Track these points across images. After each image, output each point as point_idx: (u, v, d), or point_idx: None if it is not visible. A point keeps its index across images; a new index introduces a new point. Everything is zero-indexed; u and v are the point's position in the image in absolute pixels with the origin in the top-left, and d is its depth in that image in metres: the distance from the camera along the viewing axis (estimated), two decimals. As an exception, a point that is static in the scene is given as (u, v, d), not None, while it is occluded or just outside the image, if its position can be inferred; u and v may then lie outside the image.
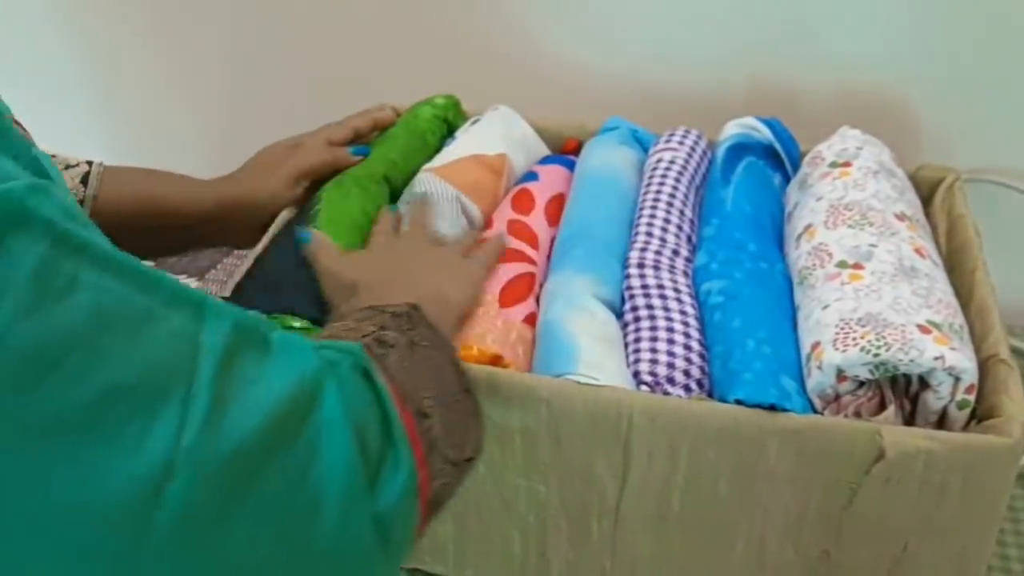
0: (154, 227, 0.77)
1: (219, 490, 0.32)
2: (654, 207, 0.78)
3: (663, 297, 0.71)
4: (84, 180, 0.74)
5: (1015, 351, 0.69)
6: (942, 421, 0.62)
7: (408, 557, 0.42)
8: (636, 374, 0.66)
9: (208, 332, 0.34)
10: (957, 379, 0.60)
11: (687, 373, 0.66)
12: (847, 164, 0.77)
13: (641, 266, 0.73)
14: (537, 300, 0.73)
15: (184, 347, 0.33)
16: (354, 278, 0.65)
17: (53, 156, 0.71)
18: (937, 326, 0.62)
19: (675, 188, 0.80)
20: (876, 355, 0.60)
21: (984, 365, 0.63)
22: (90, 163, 0.75)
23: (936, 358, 0.59)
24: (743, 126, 0.86)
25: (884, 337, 0.60)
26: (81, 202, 0.74)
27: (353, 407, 0.38)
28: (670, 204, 0.78)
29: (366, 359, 0.41)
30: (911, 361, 0.59)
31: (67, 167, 0.74)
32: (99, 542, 0.30)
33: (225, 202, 0.79)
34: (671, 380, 0.65)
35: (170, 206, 0.77)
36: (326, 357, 0.39)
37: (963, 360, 0.60)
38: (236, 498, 0.32)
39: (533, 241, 0.78)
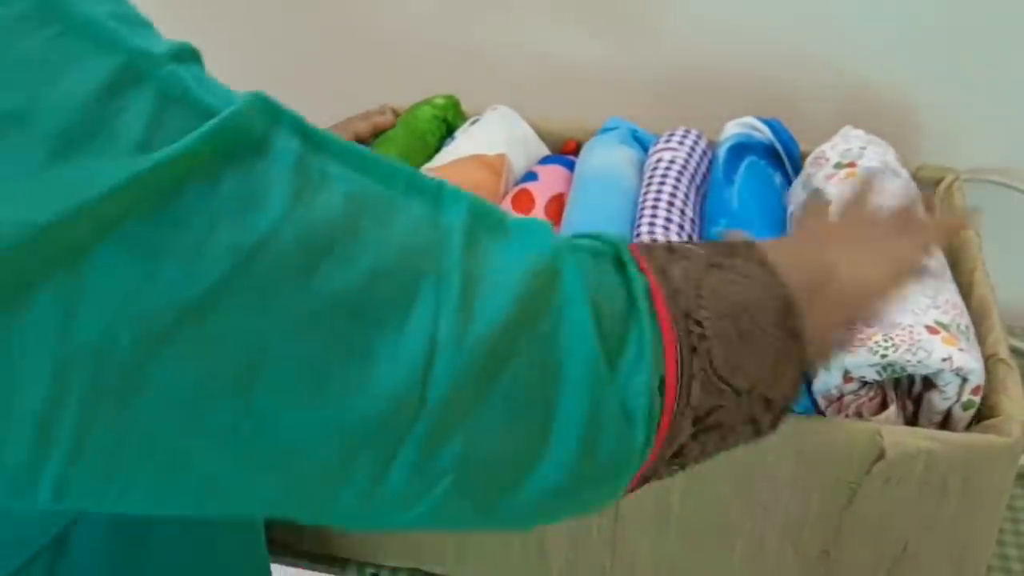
0: None
1: (478, 369, 0.32)
2: (655, 207, 0.78)
3: (663, 297, 0.71)
4: None
5: (1015, 351, 0.69)
6: (945, 421, 0.62)
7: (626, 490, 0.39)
8: (636, 374, 0.66)
9: (447, 215, 0.35)
10: (964, 380, 0.60)
11: (687, 373, 0.65)
12: (852, 164, 0.77)
13: (641, 266, 0.73)
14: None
15: (429, 231, 0.34)
16: None
17: None
18: (945, 327, 0.61)
19: (675, 188, 0.80)
20: (884, 356, 0.60)
21: (984, 365, 0.63)
22: None
23: (944, 359, 0.59)
24: (743, 126, 0.85)
25: (892, 338, 0.60)
26: None
27: (591, 285, 0.37)
28: (671, 204, 0.78)
29: (622, 250, 0.40)
30: (919, 362, 0.59)
31: None
32: (373, 428, 0.30)
33: None
34: (671, 380, 0.65)
35: None
36: (567, 241, 0.39)
37: (971, 361, 0.59)
38: (492, 377, 0.33)
39: None
